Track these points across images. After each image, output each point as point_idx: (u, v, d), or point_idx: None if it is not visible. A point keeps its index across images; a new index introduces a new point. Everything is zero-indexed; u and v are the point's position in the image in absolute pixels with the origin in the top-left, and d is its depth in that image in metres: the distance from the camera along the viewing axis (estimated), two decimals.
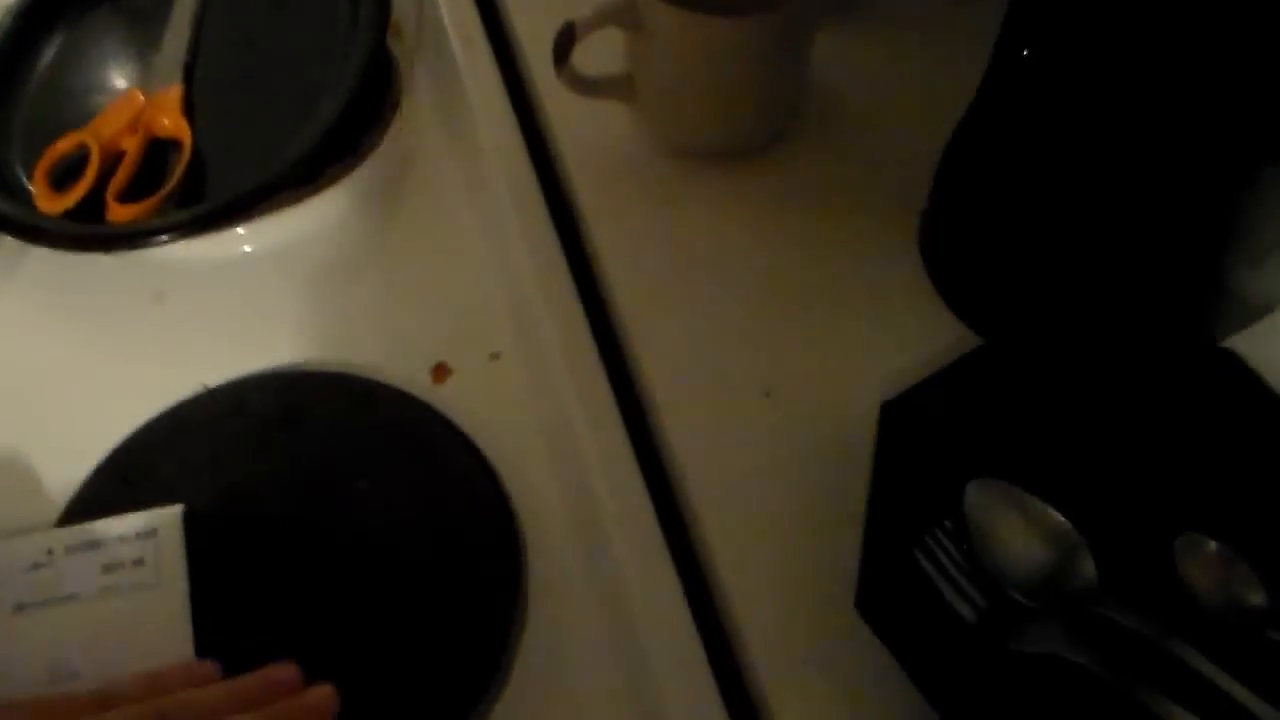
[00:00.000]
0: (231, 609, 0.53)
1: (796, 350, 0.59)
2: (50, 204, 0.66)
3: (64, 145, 0.68)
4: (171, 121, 0.69)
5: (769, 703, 0.49)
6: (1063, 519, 0.47)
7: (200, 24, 0.76)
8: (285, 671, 0.49)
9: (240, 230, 0.65)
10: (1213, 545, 0.46)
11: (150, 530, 0.53)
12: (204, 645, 0.51)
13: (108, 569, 0.52)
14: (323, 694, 0.49)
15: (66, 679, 0.49)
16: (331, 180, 0.66)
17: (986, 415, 0.52)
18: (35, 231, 0.64)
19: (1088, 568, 0.47)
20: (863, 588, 0.51)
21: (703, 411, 0.57)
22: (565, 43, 0.59)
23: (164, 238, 0.63)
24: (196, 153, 0.68)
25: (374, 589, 0.53)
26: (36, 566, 0.51)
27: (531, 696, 0.52)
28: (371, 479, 0.56)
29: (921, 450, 0.51)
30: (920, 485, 0.51)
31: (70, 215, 0.66)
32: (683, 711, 0.49)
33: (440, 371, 0.61)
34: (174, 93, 0.71)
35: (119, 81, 0.74)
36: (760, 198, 0.65)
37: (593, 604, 0.54)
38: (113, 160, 0.68)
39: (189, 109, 0.71)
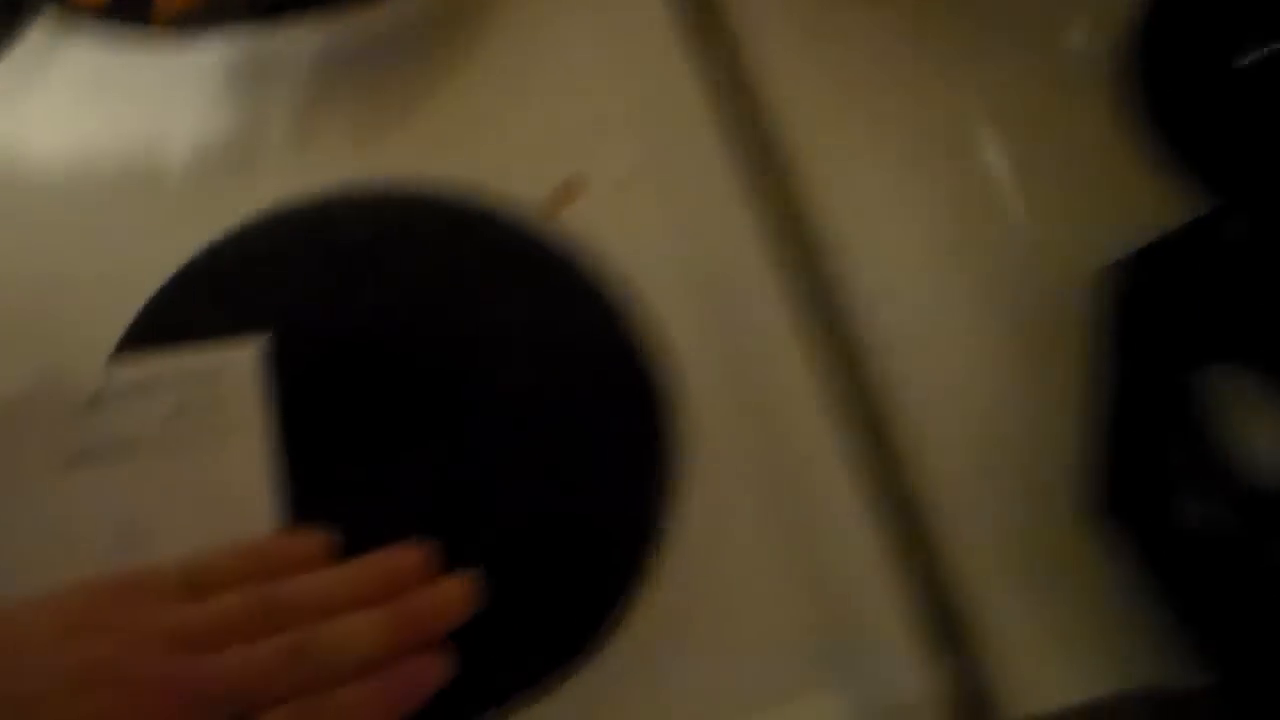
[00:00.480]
0: (319, 467, 0.44)
1: (990, 200, 0.50)
2: None
3: None
4: None
5: (974, 616, 0.42)
6: None
7: None
8: (414, 555, 0.41)
9: (319, 20, 0.54)
10: None
11: (222, 367, 0.44)
12: (303, 509, 0.43)
13: (174, 412, 0.43)
14: (460, 587, 0.41)
15: (137, 542, 0.41)
16: None
17: (1229, 290, 0.43)
18: (73, 23, 0.54)
19: None
20: (1095, 486, 0.42)
21: (884, 270, 0.49)
22: None
23: (227, 28, 0.53)
24: None
25: (491, 452, 0.45)
26: (91, 407, 0.43)
27: (681, 591, 0.44)
28: (485, 320, 0.47)
29: (1154, 329, 0.42)
30: (1153, 370, 0.42)
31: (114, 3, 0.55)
32: (864, 615, 0.43)
33: (560, 196, 0.51)
34: None
35: None
36: (933, 14, 0.54)
37: (754, 477, 0.46)
38: None
39: None
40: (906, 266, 0.49)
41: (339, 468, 0.44)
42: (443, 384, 0.46)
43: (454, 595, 0.41)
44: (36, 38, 0.56)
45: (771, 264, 0.49)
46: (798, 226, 0.50)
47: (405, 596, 0.41)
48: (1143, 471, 0.41)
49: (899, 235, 0.50)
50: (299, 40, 0.56)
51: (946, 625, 0.43)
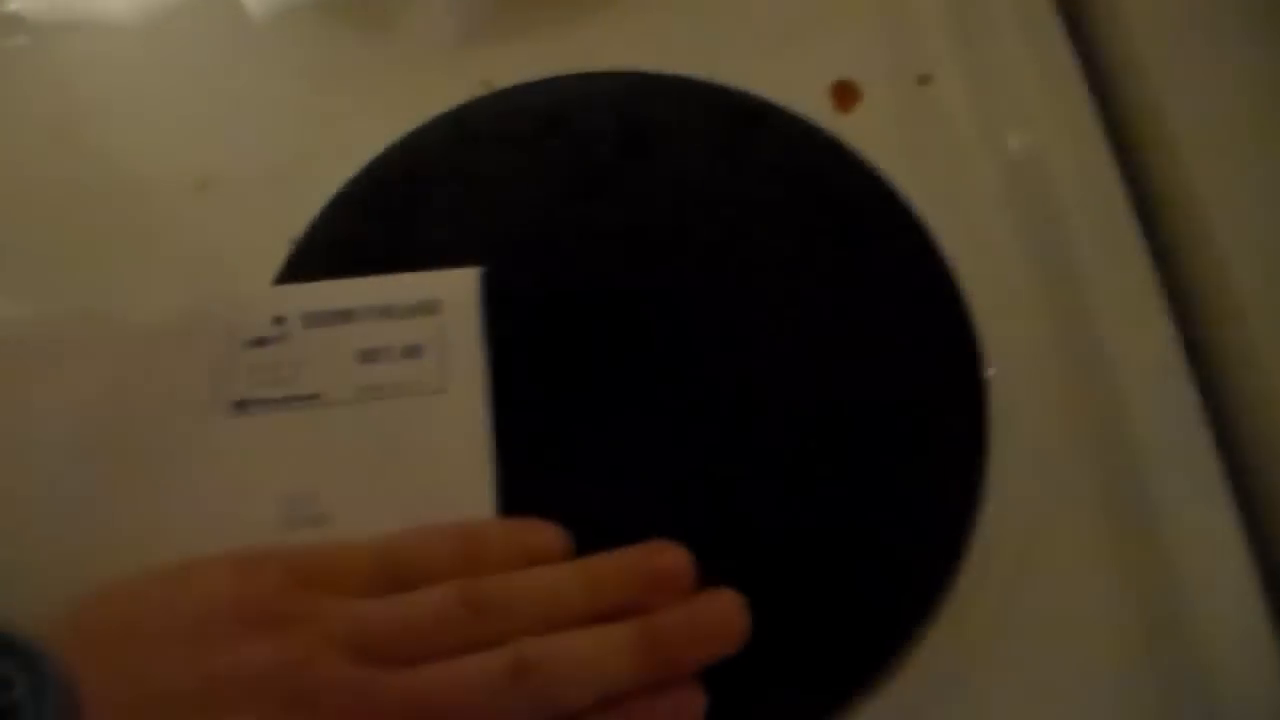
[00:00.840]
0: (525, 441, 0.33)
1: None
2: None
3: None
4: None
5: None
6: None
7: None
8: (669, 557, 0.31)
9: None
10: None
11: (432, 302, 0.34)
12: (507, 491, 0.33)
13: (367, 357, 0.33)
14: (732, 605, 0.31)
15: (311, 521, 0.32)
16: None
17: None
18: None
19: None
20: None
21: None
22: None
23: None
24: None
25: (752, 429, 0.34)
26: (262, 343, 0.33)
27: (988, 616, 0.33)
28: (753, 254, 0.36)
29: None
30: None
31: None
32: (1227, 654, 0.32)
33: (845, 93, 0.40)
34: None
35: None
36: None
37: (1085, 471, 0.35)
38: None
39: None
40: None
41: (549, 442, 0.34)
42: (691, 337, 0.35)
43: (724, 616, 0.31)
44: None
45: (1120, 198, 0.38)
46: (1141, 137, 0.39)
47: (660, 612, 0.31)
48: None
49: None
50: None
51: None
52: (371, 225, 0.37)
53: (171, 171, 0.40)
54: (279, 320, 0.33)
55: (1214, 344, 0.37)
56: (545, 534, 0.32)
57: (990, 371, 0.35)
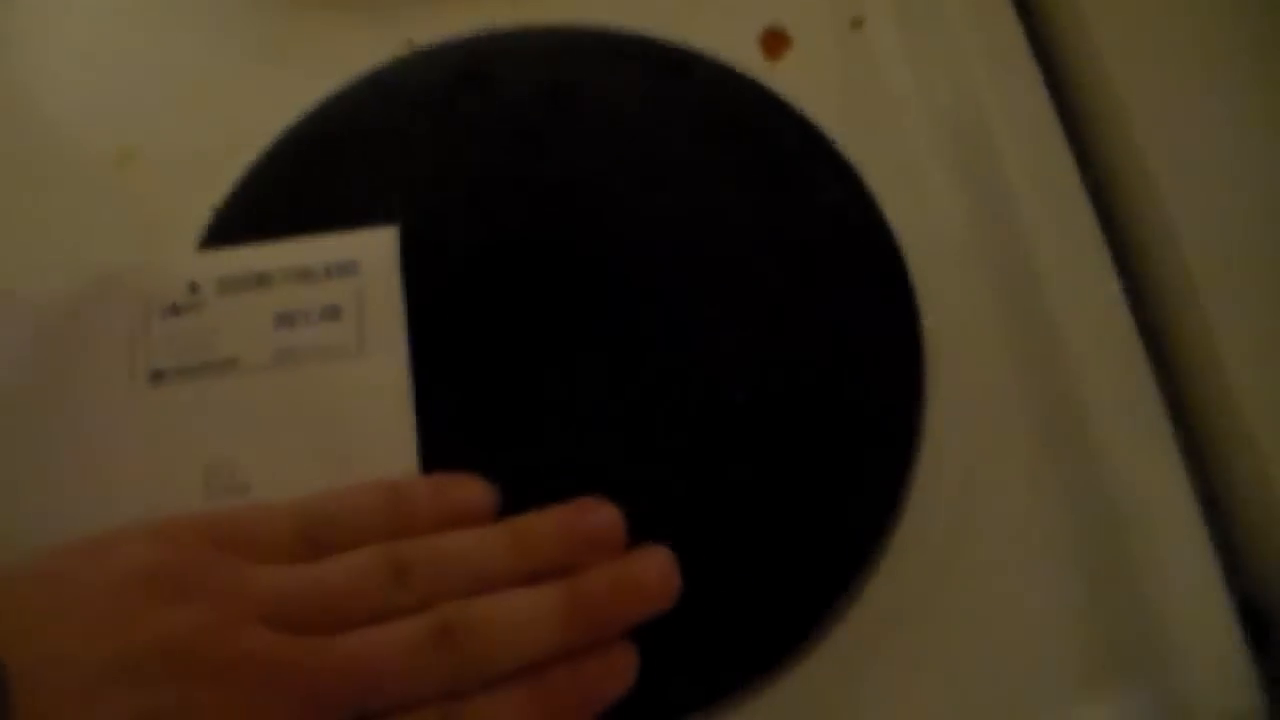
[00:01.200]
0: (449, 404, 0.33)
1: None
2: None
3: None
4: None
5: None
6: None
7: None
8: (599, 514, 0.30)
9: None
10: None
11: (349, 263, 0.33)
12: (431, 454, 0.32)
13: (284, 320, 0.32)
14: (662, 562, 0.30)
15: (231, 492, 0.31)
16: None
17: None
18: None
19: None
20: None
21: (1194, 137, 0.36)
22: None
23: None
24: None
25: (681, 389, 0.34)
26: (177, 311, 0.32)
27: (921, 574, 0.32)
28: (683, 196, 0.36)
29: None
30: None
31: None
32: (1167, 608, 0.31)
33: (774, 41, 0.39)
34: None
35: None
36: None
37: (1025, 430, 0.34)
38: None
39: None
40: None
41: (473, 402, 0.33)
42: (620, 291, 0.35)
43: (655, 574, 0.30)
44: None
45: (1060, 143, 0.37)
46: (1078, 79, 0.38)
47: (589, 572, 0.30)
48: None
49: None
50: None
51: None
52: (293, 189, 0.37)
53: (91, 145, 0.39)
54: (194, 288, 0.33)
55: (1157, 291, 0.36)
56: (470, 488, 0.31)
57: (927, 321, 0.34)
